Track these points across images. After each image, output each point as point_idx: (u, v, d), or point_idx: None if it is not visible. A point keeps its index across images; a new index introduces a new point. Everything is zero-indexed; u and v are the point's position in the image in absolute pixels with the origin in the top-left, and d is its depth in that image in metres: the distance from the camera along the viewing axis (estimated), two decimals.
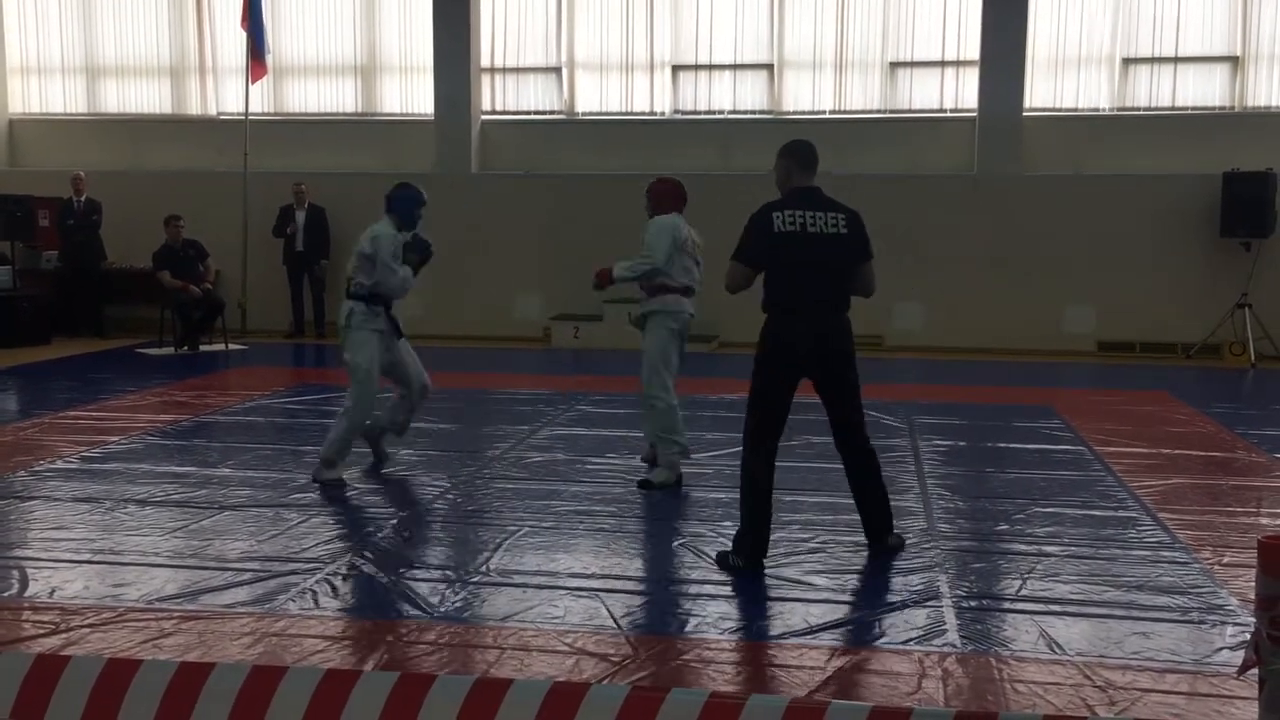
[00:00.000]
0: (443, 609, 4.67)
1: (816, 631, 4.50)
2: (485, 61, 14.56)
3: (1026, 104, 13.39)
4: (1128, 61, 13.48)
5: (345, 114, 14.97)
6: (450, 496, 6.54)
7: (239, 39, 14.28)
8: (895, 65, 13.87)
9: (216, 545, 5.52)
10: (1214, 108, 13.40)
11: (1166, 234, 13.03)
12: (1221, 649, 4.28)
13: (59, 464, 7.16)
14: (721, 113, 14.25)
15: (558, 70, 14.50)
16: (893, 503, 6.14)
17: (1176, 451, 7.82)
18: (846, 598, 4.94)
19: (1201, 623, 4.57)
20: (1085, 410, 9.34)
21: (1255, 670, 3.13)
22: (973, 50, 13.50)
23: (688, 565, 5.34)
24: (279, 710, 3.04)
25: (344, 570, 5.16)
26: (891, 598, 4.85)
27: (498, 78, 14.66)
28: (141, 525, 5.83)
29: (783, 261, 5.19)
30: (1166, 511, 6.21)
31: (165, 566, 5.19)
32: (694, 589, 4.99)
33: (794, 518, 5.91)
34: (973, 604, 4.76)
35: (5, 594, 4.81)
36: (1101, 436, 8.22)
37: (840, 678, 4.03)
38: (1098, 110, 13.59)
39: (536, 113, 14.66)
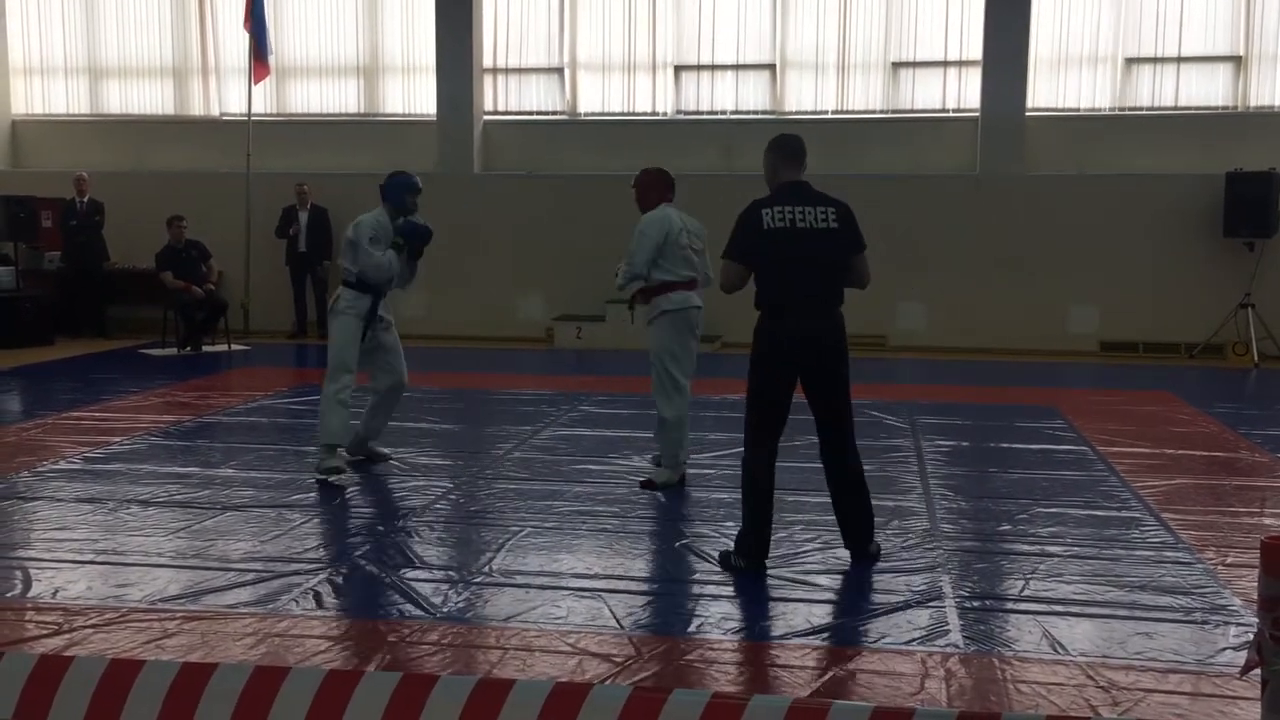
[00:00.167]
0: (445, 609, 4.67)
1: (819, 632, 4.50)
2: (487, 62, 14.56)
3: (1029, 104, 13.38)
4: (1130, 61, 13.47)
5: (348, 114, 14.98)
6: (453, 497, 6.55)
7: (241, 40, 14.28)
8: (897, 65, 13.87)
9: (219, 546, 5.52)
10: (1217, 107, 13.39)
11: (1169, 234, 13.02)
12: (1225, 649, 4.27)
13: (62, 464, 7.16)
14: (724, 113, 14.26)
15: (560, 70, 14.50)
16: (896, 503, 6.15)
17: (1180, 452, 7.81)
18: (849, 598, 4.94)
19: (1205, 623, 4.56)
20: (1088, 410, 9.33)
21: (1258, 671, 3.13)
22: (975, 50, 13.49)
23: (690, 565, 5.33)
24: (281, 711, 3.04)
25: (346, 571, 5.16)
26: (894, 598, 4.84)
27: (500, 78, 14.66)
28: (144, 526, 5.83)
29: (773, 258, 5.13)
30: (1170, 512, 6.20)
31: (168, 567, 5.19)
32: (696, 589, 4.98)
33: (796, 518, 5.91)
34: (975, 604, 4.76)
35: (8, 595, 4.81)
36: (1104, 437, 8.22)
37: (843, 678, 4.03)
38: (1100, 110, 13.58)
39: (539, 113, 14.66)
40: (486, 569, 5.20)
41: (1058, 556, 5.42)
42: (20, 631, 4.42)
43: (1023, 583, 5.06)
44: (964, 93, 13.74)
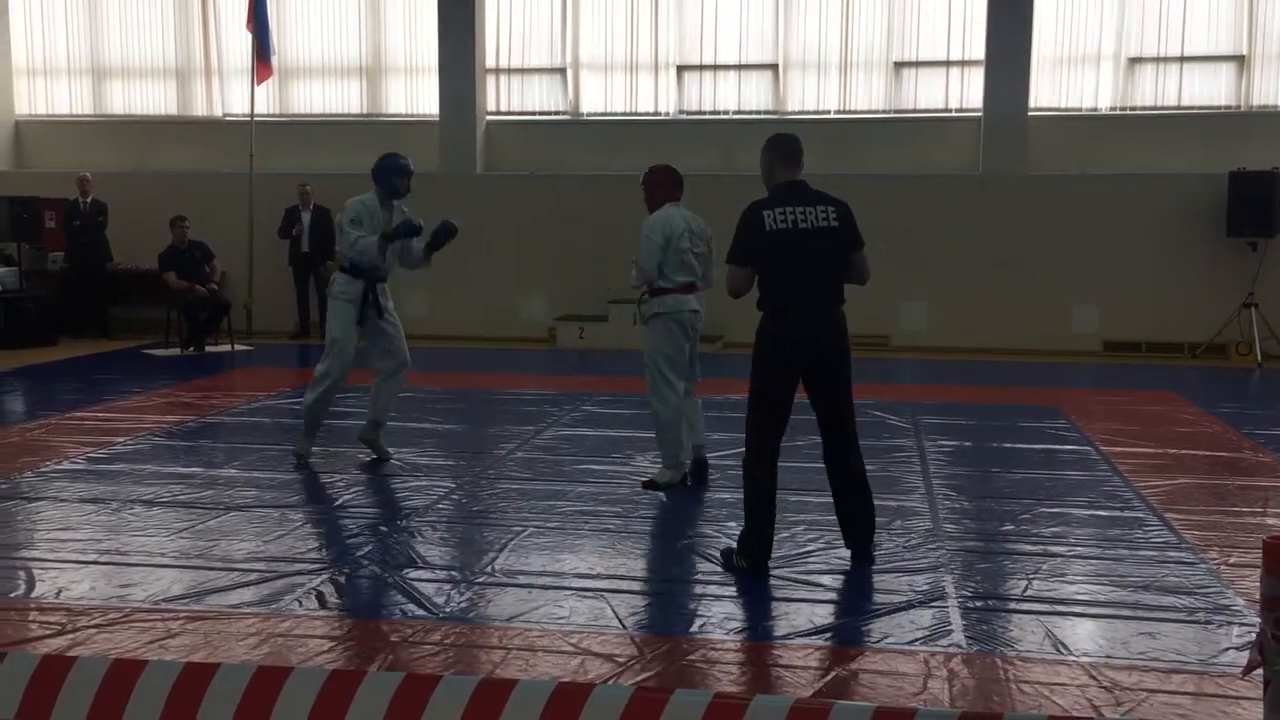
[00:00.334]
0: (448, 609, 4.67)
1: (821, 632, 4.50)
2: (490, 62, 14.57)
3: (1032, 103, 13.37)
4: (1133, 61, 13.45)
5: (350, 115, 14.99)
6: (455, 497, 6.55)
7: (244, 40, 14.29)
8: (900, 65, 13.86)
9: (222, 546, 5.52)
10: (1220, 107, 13.37)
11: (1172, 234, 13.01)
12: (1228, 649, 4.27)
13: (65, 465, 7.17)
14: (726, 113, 14.25)
15: (562, 71, 14.50)
16: (899, 503, 6.14)
17: (1183, 451, 7.80)
18: (851, 598, 4.94)
19: (1208, 623, 4.56)
20: (1091, 410, 9.32)
21: (1260, 671, 3.12)
22: (978, 50, 13.48)
23: (692, 566, 5.33)
24: (284, 711, 3.04)
25: (349, 571, 5.17)
26: (897, 598, 4.84)
27: (502, 78, 14.66)
28: (147, 526, 5.83)
29: (775, 260, 5.11)
30: (1173, 511, 6.19)
31: (171, 567, 5.20)
32: (699, 589, 4.98)
33: (799, 518, 5.91)
34: (978, 604, 4.76)
35: (12, 595, 4.82)
36: (1107, 436, 8.21)
37: (845, 678, 4.03)
38: (1103, 110, 13.57)
39: (541, 113, 14.66)
40: (489, 569, 5.20)
41: (1061, 557, 5.42)
42: (23, 632, 4.42)
43: (1025, 583, 5.06)
44: (966, 92, 13.73)
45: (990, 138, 13.41)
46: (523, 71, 14.61)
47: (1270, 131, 13.06)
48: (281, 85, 14.99)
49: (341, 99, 15.01)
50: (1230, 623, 4.55)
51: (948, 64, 13.77)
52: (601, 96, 14.47)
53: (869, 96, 13.93)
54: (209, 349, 12.88)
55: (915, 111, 13.89)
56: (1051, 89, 13.57)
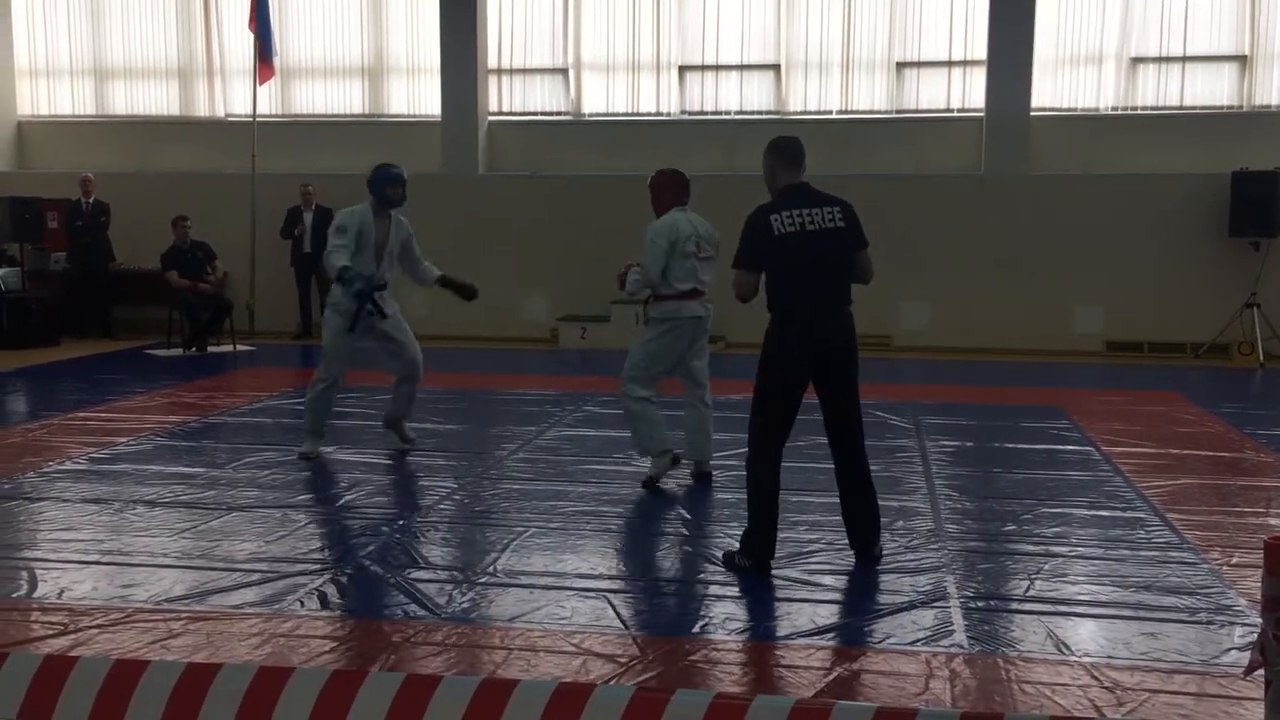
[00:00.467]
0: (449, 610, 4.67)
1: (823, 632, 4.50)
2: (492, 63, 14.57)
3: (1034, 104, 13.36)
4: (1135, 61, 13.44)
5: (352, 115, 15.00)
6: (457, 497, 6.55)
7: (246, 41, 14.31)
8: (902, 65, 13.86)
9: (224, 546, 5.53)
10: (1222, 107, 13.36)
11: (1175, 234, 13.00)
12: (1230, 650, 4.27)
13: (67, 465, 7.18)
14: (728, 113, 14.25)
15: (564, 71, 14.51)
16: (901, 503, 6.13)
17: (1185, 452, 7.80)
18: (853, 598, 4.94)
19: (1210, 623, 4.55)
20: (1093, 410, 9.32)
21: (1262, 671, 3.12)
22: (980, 50, 13.48)
23: (695, 566, 5.34)
24: (285, 711, 3.04)
25: (351, 571, 5.17)
26: (898, 598, 4.84)
27: (504, 79, 14.67)
28: (150, 526, 5.84)
29: (784, 264, 5.12)
30: (1175, 512, 6.19)
31: (173, 567, 5.20)
32: (701, 589, 4.98)
33: (801, 518, 5.90)
34: (980, 604, 4.75)
35: (14, 595, 4.82)
36: (1109, 437, 8.21)
37: (847, 678, 4.03)
38: (1105, 110, 13.56)
39: (543, 114, 14.66)
40: (491, 569, 5.20)
41: (1062, 557, 5.42)
42: (26, 632, 4.43)
43: (1027, 583, 5.05)
44: (969, 92, 13.73)
45: (992, 138, 13.41)
46: (524, 72, 14.61)
47: (1273, 131, 13.05)
48: (283, 86, 14.99)
49: (343, 99, 15.01)
50: (1232, 623, 4.55)
51: (949, 64, 13.77)
52: (603, 97, 14.48)
53: (871, 96, 13.93)
54: (211, 349, 12.89)
55: (917, 111, 13.88)
56: (1053, 89, 13.56)
